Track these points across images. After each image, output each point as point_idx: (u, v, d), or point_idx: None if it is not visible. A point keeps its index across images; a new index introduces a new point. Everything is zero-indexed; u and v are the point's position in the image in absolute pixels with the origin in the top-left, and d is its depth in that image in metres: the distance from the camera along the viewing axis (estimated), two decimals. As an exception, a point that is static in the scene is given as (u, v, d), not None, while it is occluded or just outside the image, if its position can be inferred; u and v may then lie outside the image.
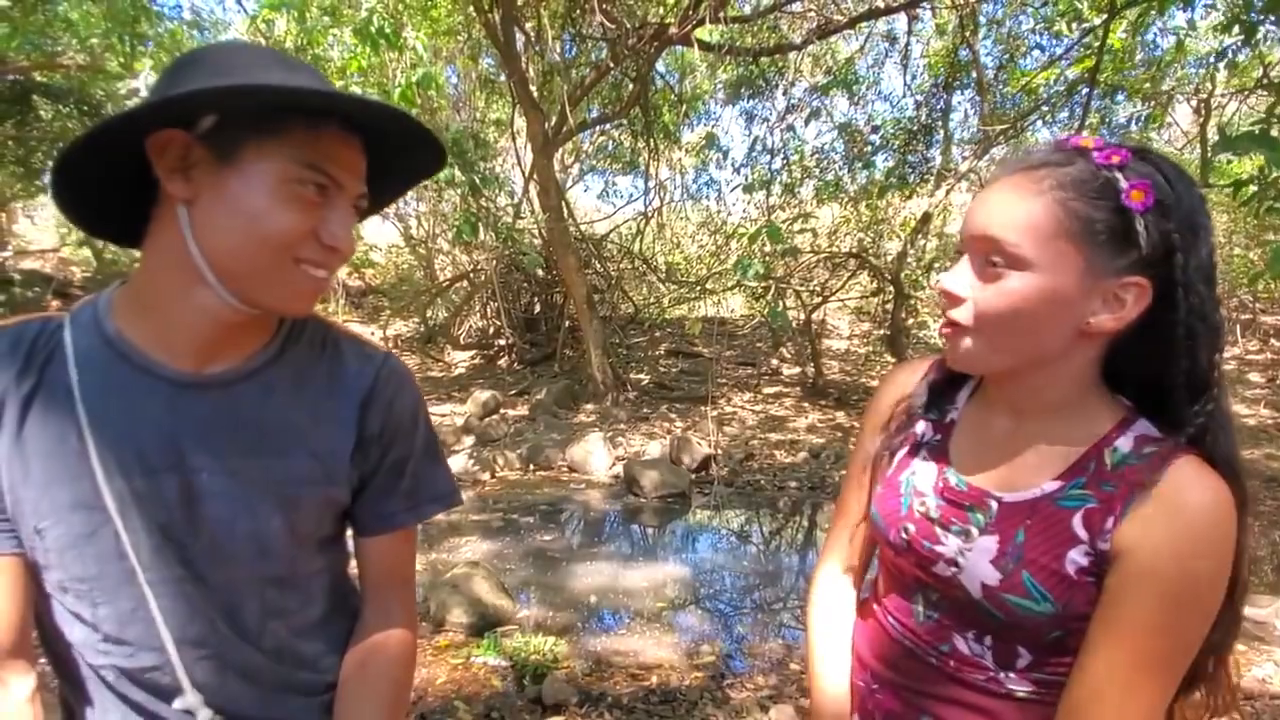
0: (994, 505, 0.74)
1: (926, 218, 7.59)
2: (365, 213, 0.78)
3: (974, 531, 0.74)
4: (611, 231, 10.38)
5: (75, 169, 0.69)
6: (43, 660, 0.76)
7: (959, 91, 8.14)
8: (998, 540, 0.72)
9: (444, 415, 7.00)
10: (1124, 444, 0.71)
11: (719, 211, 9.99)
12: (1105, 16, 4.50)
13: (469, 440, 6.30)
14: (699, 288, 8.83)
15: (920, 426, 0.85)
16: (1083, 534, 0.69)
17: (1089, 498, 0.70)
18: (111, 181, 0.71)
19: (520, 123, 8.06)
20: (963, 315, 0.71)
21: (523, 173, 8.95)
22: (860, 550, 0.95)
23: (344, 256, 0.72)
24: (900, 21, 7.69)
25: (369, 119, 0.69)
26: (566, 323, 9.19)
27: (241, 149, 0.65)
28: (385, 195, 0.82)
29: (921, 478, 0.81)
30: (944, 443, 0.82)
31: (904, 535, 0.80)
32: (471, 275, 9.46)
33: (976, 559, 0.73)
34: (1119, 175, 0.65)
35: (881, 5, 6.55)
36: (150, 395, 0.71)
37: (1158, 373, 0.69)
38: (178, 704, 0.74)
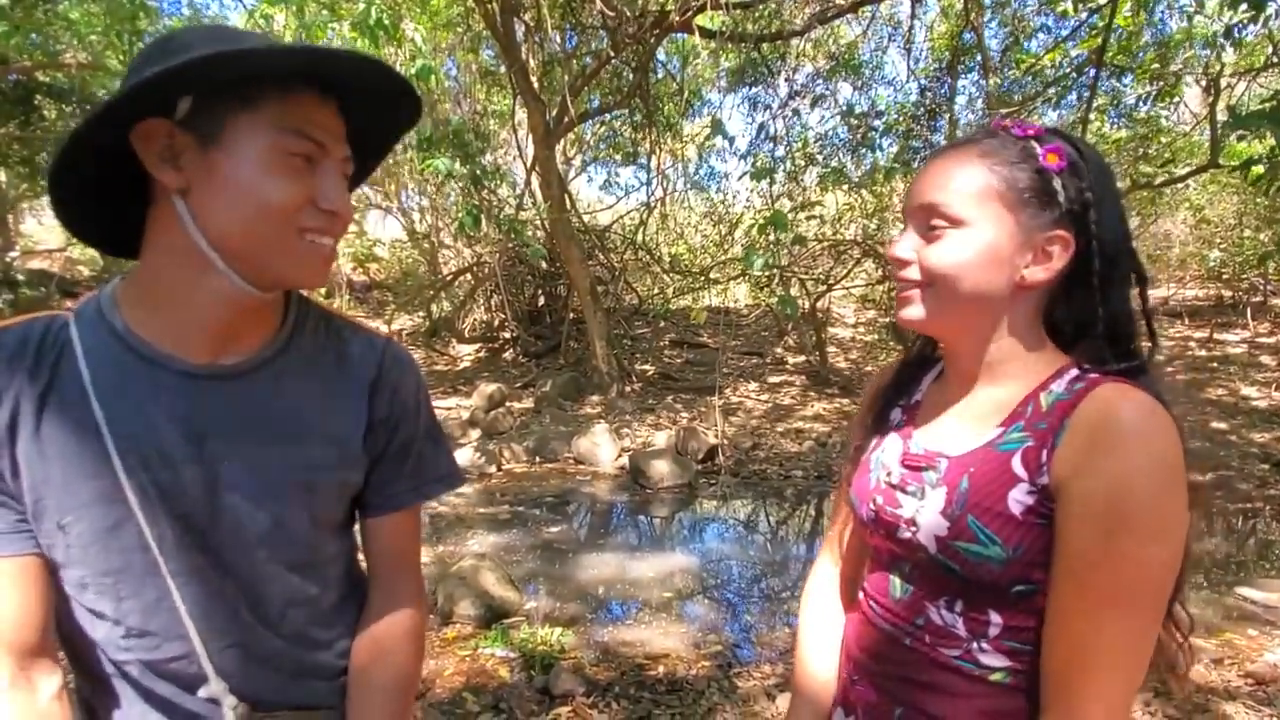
0: (944, 463, 0.79)
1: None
2: (354, 180, 0.78)
3: (927, 490, 0.78)
4: (614, 222, 10.36)
5: (69, 178, 0.69)
6: (61, 658, 0.76)
7: (964, 75, 8.08)
8: (945, 491, 0.76)
9: (450, 409, 7.02)
10: (1058, 386, 0.74)
11: (722, 201, 9.95)
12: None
13: (475, 433, 6.31)
14: (703, 278, 8.81)
15: (894, 414, 0.91)
16: (1022, 473, 0.72)
17: (1026, 439, 0.73)
18: (104, 192, 0.72)
19: (521, 114, 8.03)
20: (911, 274, 0.78)
21: (524, 164, 8.93)
22: (853, 547, 0.97)
23: (344, 220, 0.73)
24: (904, 4, 7.62)
25: (337, 73, 0.69)
26: (571, 315, 9.18)
27: (223, 128, 0.66)
28: (369, 159, 0.83)
29: (889, 453, 0.86)
30: (910, 420, 0.88)
31: (872, 507, 0.84)
32: (475, 268, 9.46)
33: (928, 514, 0.76)
34: (1034, 144, 0.74)
35: (884, -12, 6.48)
36: (165, 388, 0.71)
37: (1086, 322, 0.76)
38: (202, 693, 0.75)
